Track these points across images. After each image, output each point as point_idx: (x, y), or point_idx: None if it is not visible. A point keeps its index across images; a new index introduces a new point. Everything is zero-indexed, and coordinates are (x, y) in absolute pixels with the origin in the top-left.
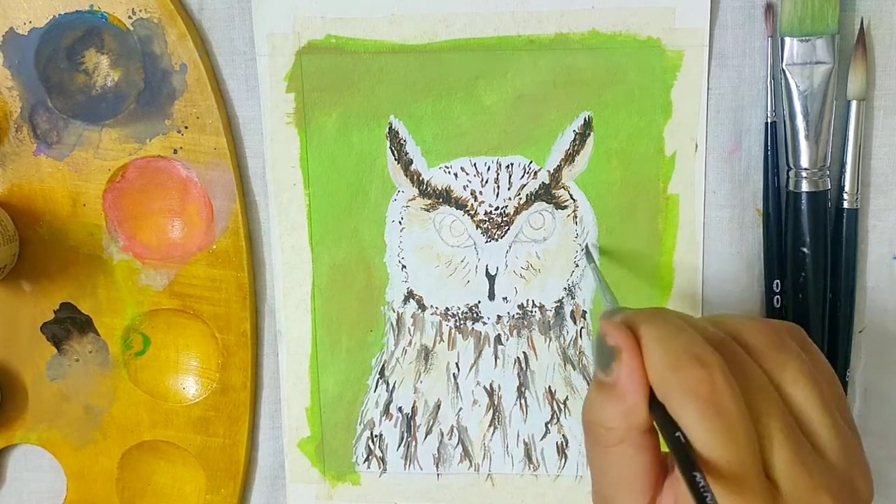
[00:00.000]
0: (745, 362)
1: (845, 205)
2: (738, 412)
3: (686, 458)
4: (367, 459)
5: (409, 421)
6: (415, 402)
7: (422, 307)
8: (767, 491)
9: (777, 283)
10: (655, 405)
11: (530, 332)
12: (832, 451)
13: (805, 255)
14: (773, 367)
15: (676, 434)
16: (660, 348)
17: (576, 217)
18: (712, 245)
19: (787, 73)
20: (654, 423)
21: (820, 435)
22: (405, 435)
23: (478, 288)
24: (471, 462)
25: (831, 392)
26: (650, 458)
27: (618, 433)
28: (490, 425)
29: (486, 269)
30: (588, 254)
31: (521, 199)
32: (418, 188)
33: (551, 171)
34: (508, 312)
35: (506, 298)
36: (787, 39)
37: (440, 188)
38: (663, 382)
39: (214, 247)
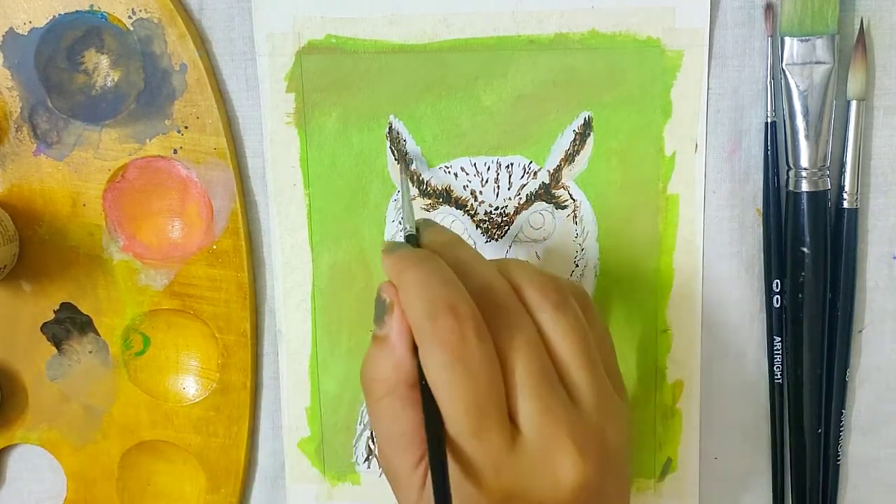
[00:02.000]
0: (512, 311)
1: (845, 205)
2: (483, 363)
3: (427, 411)
4: (367, 459)
5: None
6: None
7: None
8: (507, 437)
9: (777, 283)
10: (416, 351)
11: None
12: (587, 401)
13: (805, 255)
14: (545, 319)
15: (423, 383)
16: (419, 296)
17: (576, 217)
18: (712, 245)
19: (786, 72)
20: (418, 375)
21: (578, 387)
22: None
23: None
24: None
25: (601, 350)
26: (418, 411)
27: (387, 384)
28: None
29: None
30: (403, 164)
31: (521, 198)
32: (418, 188)
33: (551, 171)
34: None
35: None
36: (787, 39)
37: (440, 188)
38: (418, 329)
39: (214, 247)
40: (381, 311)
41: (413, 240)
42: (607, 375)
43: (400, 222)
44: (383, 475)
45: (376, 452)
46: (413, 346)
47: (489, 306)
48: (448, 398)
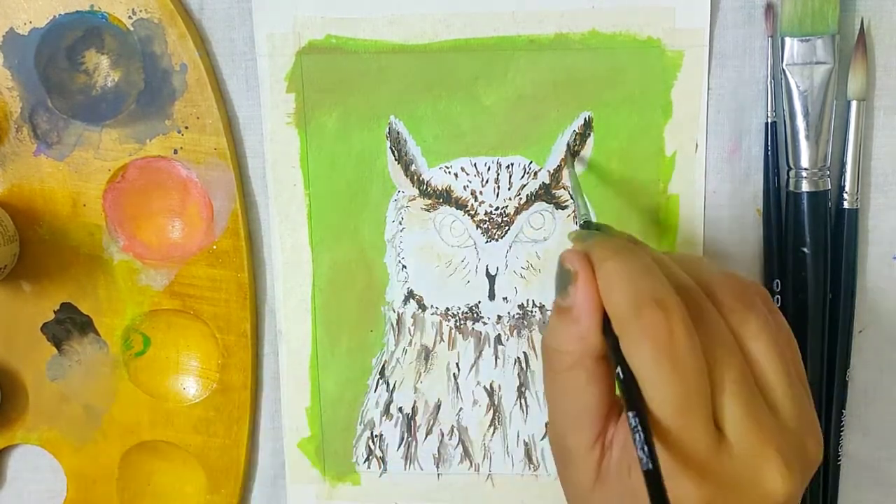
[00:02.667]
0: (708, 311)
1: (845, 205)
2: (692, 360)
3: (629, 395)
4: (367, 459)
5: (410, 421)
6: (415, 402)
7: (422, 307)
8: (713, 439)
9: (777, 283)
10: (610, 334)
11: (530, 332)
12: (785, 409)
13: (805, 255)
14: (737, 320)
15: (620, 370)
16: (622, 285)
17: (576, 217)
18: (712, 245)
19: (787, 73)
20: (608, 352)
21: (775, 393)
22: (405, 435)
23: (478, 288)
24: (471, 462)
25: (790, 353)
26: (602, 388)
27: (571, 357)
28: (490, 425)
29: (487, 269)
30: (569, 157)
31: (521, 199)
32: (418, 188)
33: (551, 171)
34: (509, 312)
35: (506, 298)
36: (788, 39)
37: (440, 188)
38: (621, 319)
39: (214, 247)
40: (565, 280)
41: (591, 226)
42: (798, 378)
43: (401, 222)
44: (383, 475)
45: (548, 430)
46: (600, 320)
47: (687, 305)
48: (655, 394)
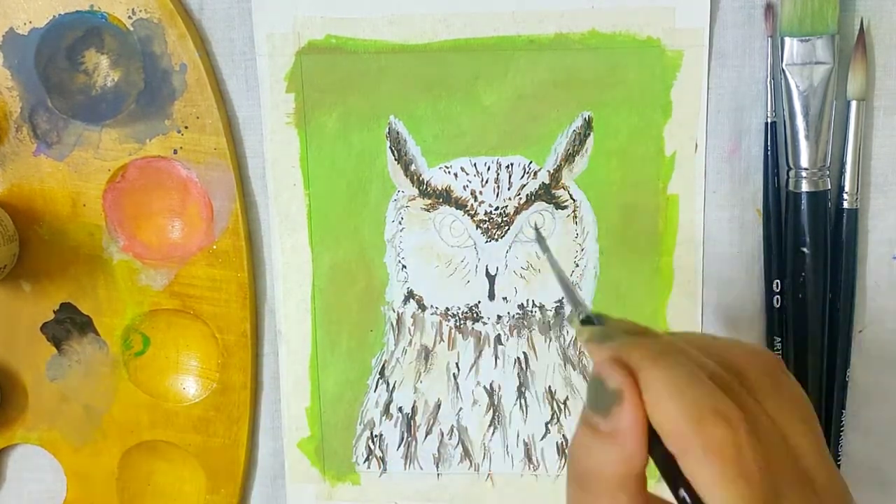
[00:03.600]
0: (751, 406)
1: (845, 205)
2: (762, 475)
3: None
4: (367, 459)
5: (410, 421)
6: (415, 402)
7: (422, 307)
8: None
9: (777, 283)
10: (659, 452)
11: (530, 332)
12: (826, 491)
13: (805, 255)
14: (772, 405)
15: (686, 493)
16: (676, 399)
17: (576, 217)
18: (712, 245)
19: (787, 73)
20: (659, 471)
21: (817, 477)
22: (405, 435)
23: (478, 288)
24: (471, 462)
25: (815, 420)
26: (643, 502)
27: (614, 481)
28: (490, 425)
29: (486, 269)
30: (540, 239)
31: (521, 199)
32: (418, 188)
33: (551, 171)
34: (508, 312)
35: (506, 298)
36: (787, 39)
37: (440, 188)
38: (681, 436)
39: (214, 247)
40: (607, 400)
41: (590, 322)
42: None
43: (401, 222)
44: (383, 475)
45: None
46: (646, 440)
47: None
48: None
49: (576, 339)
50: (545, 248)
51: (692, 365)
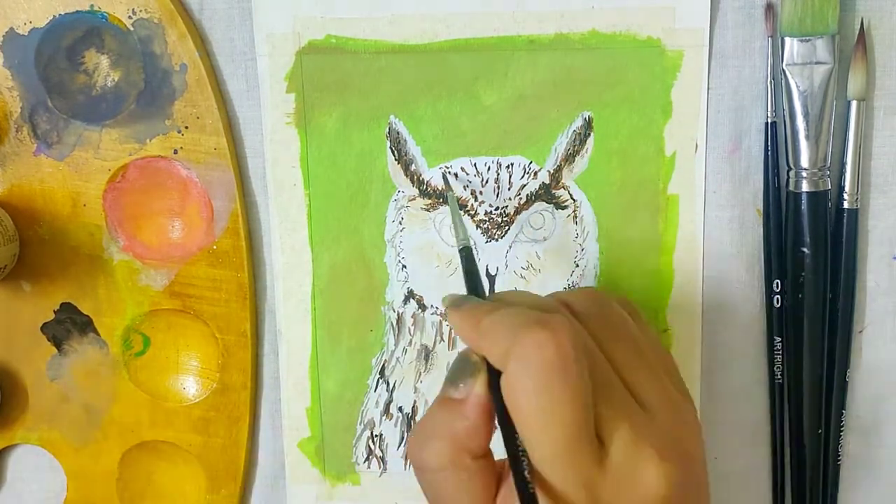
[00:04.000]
0: (575, 325)
1: (845, 205)
2: (583, 381)
3: (512, 454)
4: (367, 459)
5: (410, 421)
6: (415, 401)
7: (422, 307)
8: (597, 453)
9: (777, 283)
10: (501, 417)
11: None
12: (656, 407)
13: (805, 255)
14: (600, 330)
15: (517, 447)
16: (502, 329)
17: (576, 217)
18: (712, 245)
19: (787, 73)
20: (502, 434)
21: (643, 391)
22: (405, 435)
23: None
24: None
25: (657, 357)
26: (485, 480)
27: (445, 455)
28: None
29: (487, 269)
30: (446, 181)
31: (521, 199)
32: (418, 188)
33: (551, 171)
34: None
35: None
36: (788, 39)
37: (440, 188)
38: (504, 354)
39: (214, 247)
40: (464, 371)
41: (469, 252)
42: (668, 377)
43: (401, 222)
44: (384, 475)
45: None
46: (491, 417)
47: None
48: (542, 426)
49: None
50: (448, 188)
51: (522, 306)
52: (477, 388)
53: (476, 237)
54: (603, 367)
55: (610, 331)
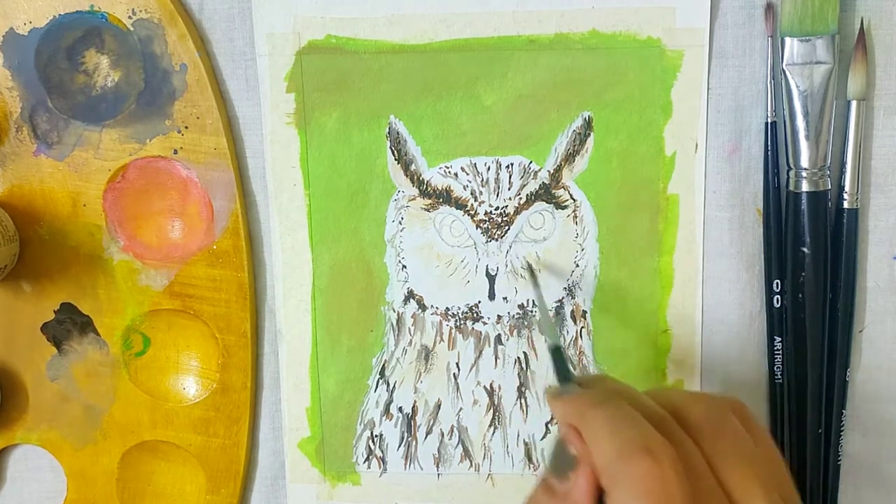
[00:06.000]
0: (684, 444)
1: (845, 205)
2: None
3: None
4: (367, 459)
5: (410, 421)
6: (415, 402)
7: (422, 307)
8: None
9: (777, 283)
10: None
11: (530, 332)
12: None
13: (805, 255)
14: (710, 445)
15: None
16: (609, 436)
17: (576, 217)
18: (712, 245)
19: (787, 73)
20: None
21: None
22: (405, 435)
23: (478, 288)
24: (471, 462)
25: (770, 470)
26: None
27: None
28: (490, 425)
29: (487, 268)
30: (531, 273)
31: (521, 199)
32: (418, 188)
33: (551, 171)
34: (509, 312)
35: (506, 298)
36: (788, 39)
37: (440, 188)
38: (610, 473)
39: (214, 247)
40: (566, 464)
41: (560, 353)
42: (782, 497)
43: (401, 222)
44: (384, 475)
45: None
46: (597, 500)
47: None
48: None
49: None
50: (536, 284)
51: (629, 408)
52: (580, 484)
53: (476, 237)
54: (713, 491)
55: (724, 448)
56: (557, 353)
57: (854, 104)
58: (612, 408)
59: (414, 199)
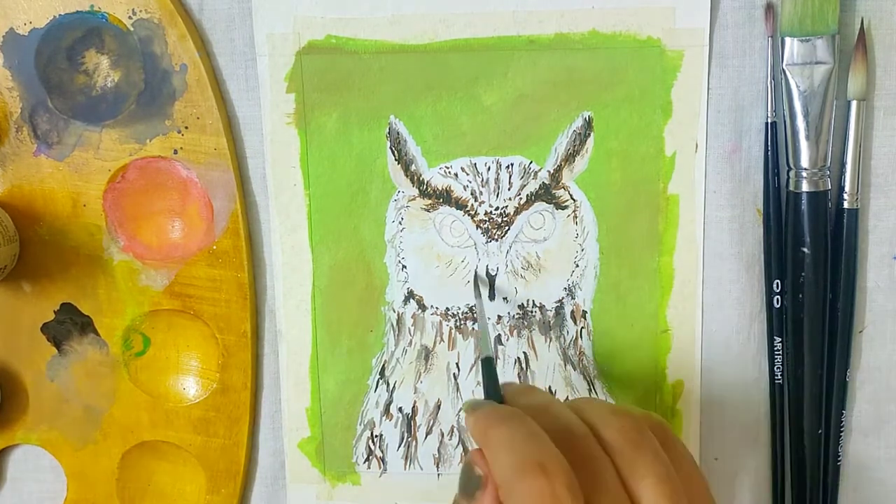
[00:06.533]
0: (597, 461)
1: (845, 205)
2: None
3: None
4: (367, 459)
5: (410, 421)
6: (415, 402)
7: (422, 307)
8: None
9: (777, 283)
10: None
11: (530, 332)
12: None
13: (805, 255)
14: (625, 464)
15: None
16: (506, 453)
17: (576, 217)
18: (712, 245)
19: (787, 73)
20: None
21: None
22: (405, 435)
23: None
24: None
25: (689, 490)
26: None
27: None
28: None
29: (487, 269)
30: (476, 286)
31: (521, 199)
32: (418, 188)
33: (551, 172)
34: (509, 312)
35: (506, 299)
36: (788, 39)
37: (440, 188)
38: (506, 489)
39: (214, 247)
40: (473, 485)
41: (490, 365)
42: None
43: (401, 222)
44: (384, 475)
45: None
46: None
47: (570, 453)
48: None
49: (579, 334)
50: (478, 295)
51: (532, 424)
52: (487, 500)
53: (476, 237)
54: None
55: (638, 465)
56: (488, 365)
57: (854, 104)
58: (514, 424)
59: (414, 199)
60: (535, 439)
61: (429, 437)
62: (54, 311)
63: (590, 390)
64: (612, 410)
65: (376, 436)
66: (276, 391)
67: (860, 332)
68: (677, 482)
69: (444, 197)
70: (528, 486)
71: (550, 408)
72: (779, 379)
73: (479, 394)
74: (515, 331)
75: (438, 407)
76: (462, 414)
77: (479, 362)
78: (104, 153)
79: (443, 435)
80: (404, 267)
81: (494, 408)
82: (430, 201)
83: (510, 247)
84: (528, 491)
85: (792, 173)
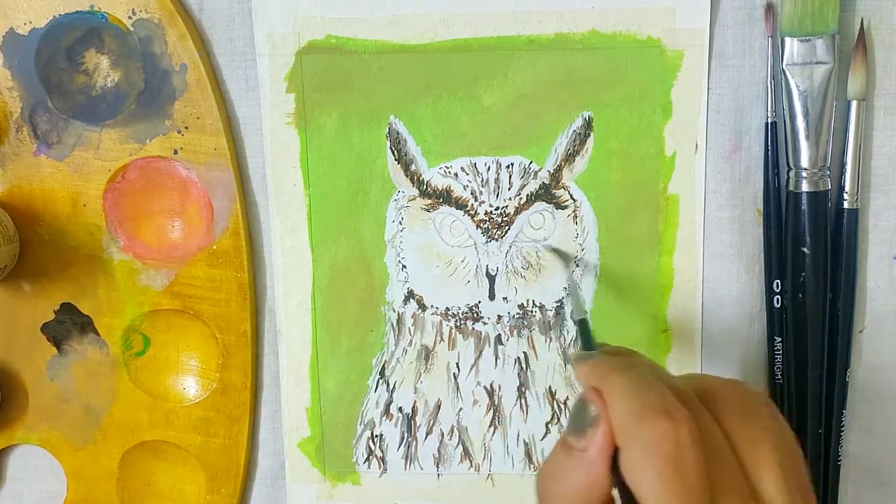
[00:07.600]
0: (709, 423)
1: (845, 205)
2: (699, 477)
3: None
4: (367, 459)
5: (410, 421)
6: (415, 402)
7: (422, 307)
8: None
9: (777, 283)
10: (617, 474)
11: (530, 332)
12: None
13: (805, 255)
14: (739, 428)
15: (619, 492)
16: (628, 398)
17: (576, 217)
18: (712, 245)
19: (787, 73)
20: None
21: (772, 502)
22: (405, 435)
23: (478, 288)
24: (471, 462)
25: (791, 464)
26: None
27: (573, 501)
28: (490, 425)
29: (487, 269)
30: (559, 255)
31: (521, 199)
32: (418, 188)
33: (551, 171)
34: (509, 312)
35: (506, 298)
36: (788, 39)
37: (440, 188)
38: (626, 431)
39: (214, 247)
40: (584, 422)
41: (586, 325)
42: (799, 491)
43: (401, 222)
44: (384, 475)
45: None
46: (610, 461)
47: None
48: None
49: (574, 340)
50: (565, 260)
51: (653, 377)
52: (597, 441)
53: (476, 237)
54: (730, 467)
55: (753, 431)
56: (584, 325)
57: (854, 104)
58: (635, 374)
59: (414, 199)
60: (658, 389)
61: (429, 437)
62: (54, 311)
63: None
64: (727, 380)
65: (376, 436)
66: (276, 391)
67: (860, 331)
68: (786, 457)
69: (444, 197)
70: (652, 428)
71: (656, 369)
72: (779, 379)
73: (480, 394)
74: (515, 331)
75: (438, 407)
76: (461, 413)
77: (575, 324)
78: (104, 153)
79: (443, 435)
80: (404, 267)
81: (613, 359)
82: (430, 201)
83: (510, 247)
84: (651, 433)
85: (792, 173)
